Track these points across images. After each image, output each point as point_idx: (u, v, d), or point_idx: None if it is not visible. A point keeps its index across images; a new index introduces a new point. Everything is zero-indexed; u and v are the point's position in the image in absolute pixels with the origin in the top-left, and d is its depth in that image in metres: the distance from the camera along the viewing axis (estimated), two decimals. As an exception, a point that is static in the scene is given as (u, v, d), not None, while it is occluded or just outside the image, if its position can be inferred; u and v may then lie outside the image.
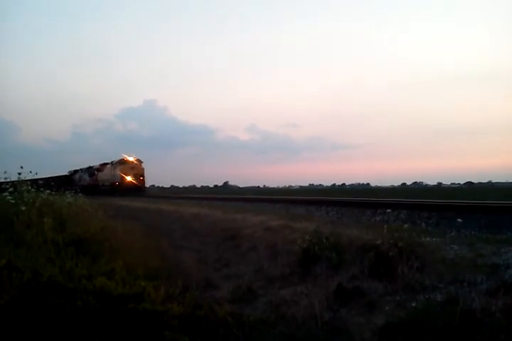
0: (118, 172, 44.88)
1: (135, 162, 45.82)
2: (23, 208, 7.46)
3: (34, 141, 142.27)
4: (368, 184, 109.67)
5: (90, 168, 53.31)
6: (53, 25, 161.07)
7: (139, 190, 42.65)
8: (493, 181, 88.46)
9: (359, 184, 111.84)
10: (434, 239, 5.75)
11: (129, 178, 43.89)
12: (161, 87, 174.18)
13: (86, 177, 53.34)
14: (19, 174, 8.92)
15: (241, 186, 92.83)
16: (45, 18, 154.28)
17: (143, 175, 45.61)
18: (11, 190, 8.60)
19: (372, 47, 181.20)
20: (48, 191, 10.39)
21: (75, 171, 58.05)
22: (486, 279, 4.06)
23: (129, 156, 46.03)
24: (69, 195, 11.99)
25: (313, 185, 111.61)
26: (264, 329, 3.95)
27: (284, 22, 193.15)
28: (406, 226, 5.66)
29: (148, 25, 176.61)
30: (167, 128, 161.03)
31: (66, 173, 58.79)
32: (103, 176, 49.16)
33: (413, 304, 3.91)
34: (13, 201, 7.82)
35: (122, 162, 45.72)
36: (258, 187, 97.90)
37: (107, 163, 49.08)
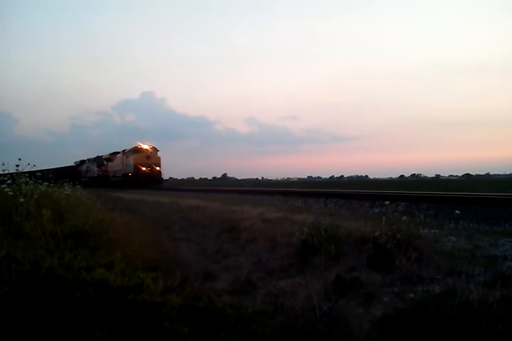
0: (131, 161, 39.73)
1: (150, 150, 40.74)
2: (22, 200, 7.46)
3: (32, 132, 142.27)
4: (367, 176, 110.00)
5: (99, 157, 48.69)
6: (52, 18, 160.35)
7: (155, 181, 38.06)
8: (492, 173, 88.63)
9: (357, 176, 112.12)
10: (432, 231, 5.77)
11: (143, 168, 38.88)
12: (158, 78, 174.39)
13: (94, 168, 48.76)
14: (17, 166, 8.90)
15: (239, 178, 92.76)
16: (43, 11, 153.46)
17: (159, 165, 40.23)
18: (9, 182, 8.58)
19: (371, 38, 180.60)
20: (47, 183, 10.40)
21: (82, 162, 53.65)
22: (483, 271, 4.09)
23: (144, 144, 41.18)
24: (67, 187, 11.99)
25: (311, 177, 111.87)
26: (263, 320, 3.98)
27: (282, 14, 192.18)
28: (404, 218, 5.67)
29: (147, 17, 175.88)
30: (165, 120, 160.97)
31: (72, 164, 55.22)
32: (114, 166, 44.51)
33: (411, 295, 3.92)
34: (11, 193, 7.81)
35: (136, 150, 40.50)
36: (256, 179, 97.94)
37: (118, 152, 44.27)
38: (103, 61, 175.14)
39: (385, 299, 4.02)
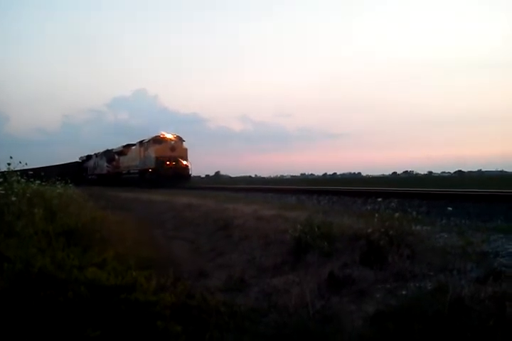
0: (152, 154, 31.97)
1: (175, 140, 32.72)
2: (14, 199, 7.41)
3: (23, 131, 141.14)
4: (359, 173, 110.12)
5: (108, 151, 42.10)
6: (44, 15, 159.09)
7: (181, 178, 30.91)
8: (483, 170, 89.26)
9: (350, 173, 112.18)
10: (424, 228, 5.78)
11: (167, 163, 31.20)
12: (151, 76, 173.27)
13: (103, 163, 42.33)
14: (8, 164, 8.85)
15: (233, 176, 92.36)
16: (35, 8, 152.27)
17: (186, 158, 32.23)
18: (0, 180, 8.52)
19: (364, 38, 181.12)
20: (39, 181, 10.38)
21: (88, 157, 47.91)
22: (475, 267, 4.10)
23: (167, 133, 33.20)
24: (59, 186, 11.95)
25: (304, 174, 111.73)
26: (256, 318, 3.98)
27: (273, 12, 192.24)
28: (397, 214, 5.68)
29: (138, 14, 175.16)
30: (158, 118, 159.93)
31: (77, 160, 50.53)
32: (128, 161, 37.28)
33: (403, 292, 3.94)
34: (3, 192, 7.76)
35: (158, 140, 32.56)
36: (250, 176, 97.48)
37: (133, 144, 36.93)
38: (96, 59, 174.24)
39: (378, 296, 4.03)
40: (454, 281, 3.78)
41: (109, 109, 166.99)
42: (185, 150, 32.98)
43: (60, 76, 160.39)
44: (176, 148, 32.14)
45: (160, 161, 31.22)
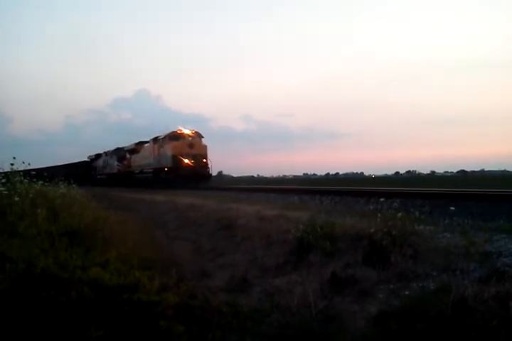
0: (168, 151, 29.10)
1: (193, 136, 29.91)
2: (17, 199, 7.43)
3: (24, 131, 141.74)
4: (362, 173, 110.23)
5: (119, 149, 39.54)
6: (44, 15, 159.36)
7: (201, 178, 28.15)
8: (486, 169, 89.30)
9: (353, 173, 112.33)
10: (427, 228, 5.77)
11: (186, 161, 28.06)
12: (151, 76, 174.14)
13: (113, 162, 39.59)
14: (12, 165, 8.88)
15: (235, 176, 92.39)
16: (35, 8, 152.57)
17: (206, 156, 29.28)
18: (3, 181, 8.54)
19: (362, 37, 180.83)
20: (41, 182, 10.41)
21: (97, 156, 45.69)
22: (478, 267, 4.09)
23: (185, 128, 30.31)
24: (62, 186, 11.97)
25: (307, 174, 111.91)
26: (259, 318, 3.98)
27: (273, 12, 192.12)
28: (399, 214, 5.67)
29: (138, 14, 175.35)
30: (161, 118, 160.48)
31: (85, 159, 48.75)
32: (141, 160, 34.36)
33: (406, 292, 3.94)
34: (6, 192, 7.78)
35: (175, 136, 29.76)
36: (252, 176, 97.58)
37: (146, 142, 34.31)
38: (96, 59, 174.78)
39: (381, 296, 4.03)
40: (457, 281, 3.77)
41: (111, 109, 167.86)
42: (205, 147, 29.97)
43: (60, 76, 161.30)
44: (194, 145, 29.22)
45: (177, 159, 28.30)
